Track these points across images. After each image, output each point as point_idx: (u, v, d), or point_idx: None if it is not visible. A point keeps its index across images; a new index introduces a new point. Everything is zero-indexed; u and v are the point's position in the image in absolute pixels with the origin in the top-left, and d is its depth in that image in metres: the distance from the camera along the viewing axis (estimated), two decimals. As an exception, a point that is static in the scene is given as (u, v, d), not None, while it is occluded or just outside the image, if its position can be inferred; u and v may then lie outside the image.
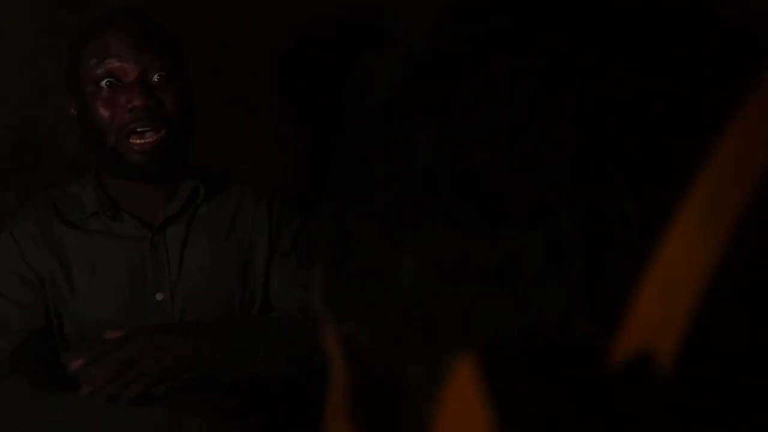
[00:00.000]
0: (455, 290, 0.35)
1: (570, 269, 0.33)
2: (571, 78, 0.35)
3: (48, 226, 1.97)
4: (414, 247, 0.36)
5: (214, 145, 2.38)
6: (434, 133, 0.37)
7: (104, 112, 1.91)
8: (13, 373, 1.90)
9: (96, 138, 1.92)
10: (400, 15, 2.40)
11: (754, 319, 0.32)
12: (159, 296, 1.94)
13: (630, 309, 0.32)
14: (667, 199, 0.33)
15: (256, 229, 1.99)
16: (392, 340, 0.37)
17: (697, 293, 0.31)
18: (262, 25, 2.54)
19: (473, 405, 0.32)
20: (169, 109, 1.91)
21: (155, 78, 1.91)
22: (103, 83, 1.91)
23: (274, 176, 2.34)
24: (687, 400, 0.32)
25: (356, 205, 0.39)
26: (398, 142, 0.38)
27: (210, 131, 2.27)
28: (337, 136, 0.41)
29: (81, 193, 2.01)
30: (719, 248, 0.31)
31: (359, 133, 0.40)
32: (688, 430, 0.32)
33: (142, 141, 1.89)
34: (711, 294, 0.31)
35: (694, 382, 0.32)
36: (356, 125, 0.40)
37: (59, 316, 1.94)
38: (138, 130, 1.88)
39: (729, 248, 0.31)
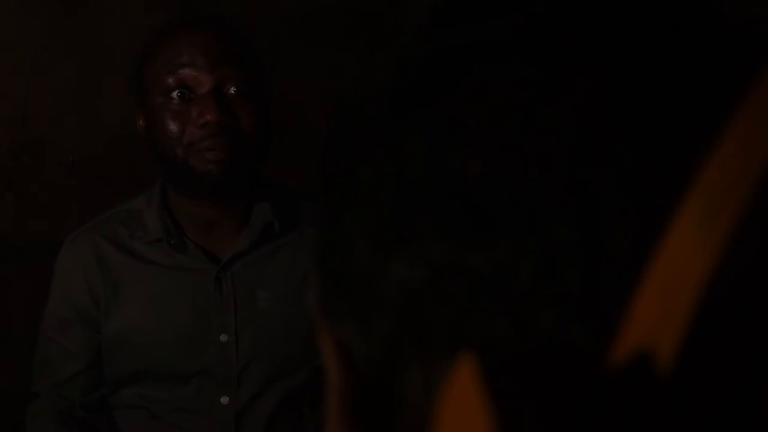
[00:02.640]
0: (447, 299, 0.35)
1: (564, 280, 0.33)
2: (564, 86, 0.35)
3: (104, 255, 1.80)
4: (406, 256, 0.36)
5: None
6: (427, 142, 0.36)
7: (173, 126, 1.72)
8: (37, 422, 1.80)
9: (164, 153, 1.73)
10: (400, 15, 2.40)
11: (754, 319, 0.32)
12: (223, 337, 1.76)
13: (627, 316, 0.32)
14: (661, 209, 0.33)
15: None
16: (386, 347, 0.37)
17: (697, 293, 0.31)
18: (261, 24, 2.54)
19: (472, 409, 0.32)
20: (245, 125, 1.71)
21: (231, 90, 1.72)
22: (174, 94, 1.72)
23: (274, 176, 2.34)
24: (687, 400, 0.32)
25: (349, 213, 0.39)
26: (391, 151, 0.37)
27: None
28: (331, 143, 0.41)
29: (145, 212, 1.82)
30: (719, 248, 0.31)
31: (352, 140, 0.40)
32: (688, 430, 0.32)
33: (214, 156, 1.70)
34: (711, 294, 0.31)
35: (694, 381, 0.32)
36: (349, 133, 0.40)
37: (112, 354, 1.79)
38: (210, 147, 1.70)
39: (729, 248, 0.31)
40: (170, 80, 1.72)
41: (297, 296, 1.79)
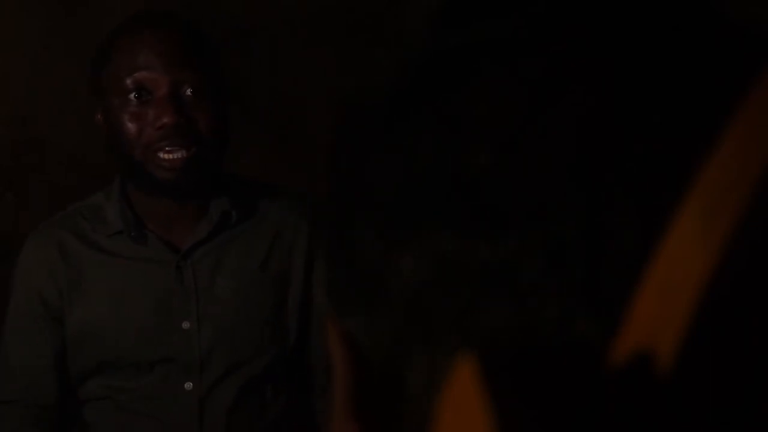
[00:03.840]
0: (454, 292, 0.35)
1: (570, 273, 0.33)
2: (571, 81, 0.35)
3: (67, 247, 1.82)
4: (413, 249, 0.36)
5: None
6: (435, 136, 0.37)
7: (131, 127, 1.73)
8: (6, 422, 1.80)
9: (122, 151, 1.76)
10: (401, 15, 2.40)
11: (754, 319, 0.32)
12: (185, 325, 1.78)
13: (630, 311, 0.32)
14: (666, 203, 0.33)
15: (294, 264, 1.82)
16: (392, 340, 0.37)
17: (697, 293, 0.31)
18: (260, 25, 2.54)
19: (473, 405, 0.32)
20: (202, 126, 1.73)
21: (188, 92, 1.73)
22: (131, 96, 1.73)
23: (275, 177, 2.34)
24: (687, 400, 0.32)
25: (357, 206, 0.39)
26: (399, 144, 0.38)
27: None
28: (338, 137, 0.41)
29: (105, 206, 1.84)
30: (719, 248, 0.31)
31: (360, 134, 0.40)
32: (688, 430, 0.32)
33: (171, 157, 1.72)
34: (711, 294, 0.31)
35: (694, 381, 0.32)
36: (357, 127, 0.40)
37: (76, 346, 1.80)
38: (167, 148, 1.72)
39: (729, 248, 0.31)
40: (127, 82, 1.73)
41: (256, 283, 1.82)
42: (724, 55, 0.37)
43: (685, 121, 0.35)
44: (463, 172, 0.35)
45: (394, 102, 0.38)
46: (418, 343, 0.36)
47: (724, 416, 0.32)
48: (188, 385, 1.78)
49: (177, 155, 1.72)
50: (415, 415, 0.37)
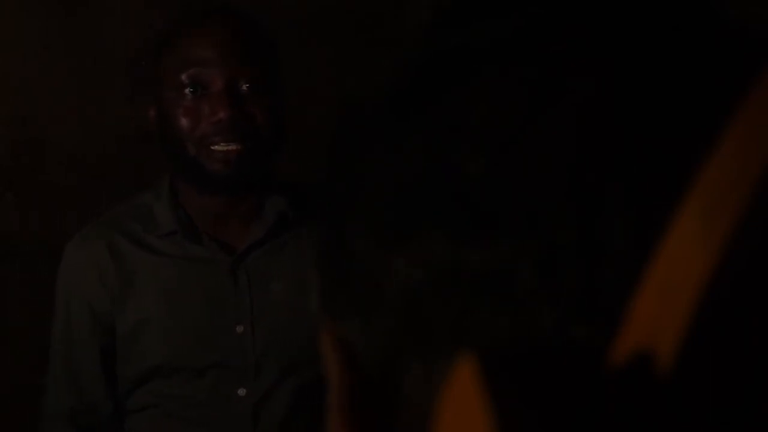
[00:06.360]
0: (448, 298, 0.35)
1: (564, 279, 0.33)
2: (565, 86, 0.35)
3: (119, 248, 1.76)
4: (407, 255, 0.36)
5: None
6: (428, 142, 0.36)
7: (185, 122, 1.70)
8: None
9: (175, 147, 1.72)
10: (400, 15, 2.40)
11: (754, 319, 0.32)
12: (239, 328, 1.74)
13: (627, 315, 0.32)
14: (662, 208, 0.33)
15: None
16: (387, 345, 0.37)
17: (697, 293, 0.31)
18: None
19: (473, 405, 0.32)
20: (258, 120, 1.71)
21: (244, 87, 1.70)
22: (187, 90, 1.70)
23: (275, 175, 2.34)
24: (687, 400, 0.32)
25: (351, 211, 0.39)
26: (392, 149, 0.37)
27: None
28: (334, 139, 0.41)
29: (154, 207, 1.79)
30: (719, 248, 0.31)
31: (354, 140, 0.40)
32: (688, 430, 0.32)
33: (226, 148, 1.69)
34: (711, 294, 0.31)
35: (694, 381, 0.32)
36: (350, 133, 0.40)
37: (127, 351, 1.76)
38: (222, 143, 1.69)
39: (729, 248, 0.31)
40: (183, 77, 1.70)
41: (309, 287, 1.75)
42: (724, 55, 0.37)
43: (685, 121, 0.35)
44: (456, 177, 0.35)
45: (392, 103, 0.38)
46: (413, 349, 0.36)
47: (724, 416, 0.32)
48: (242, 391, 1.73)
49: (231, 147, 1.69)
50: (411, 421, 0.37)
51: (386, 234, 0.37)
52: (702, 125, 0.34)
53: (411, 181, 0.36)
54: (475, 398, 0.32)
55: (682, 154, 0.34)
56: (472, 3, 0.39)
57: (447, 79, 0.37)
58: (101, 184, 2.62)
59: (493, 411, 0.31)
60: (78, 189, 2.64)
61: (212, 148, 1.69)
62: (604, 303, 0.33)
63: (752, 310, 0.32)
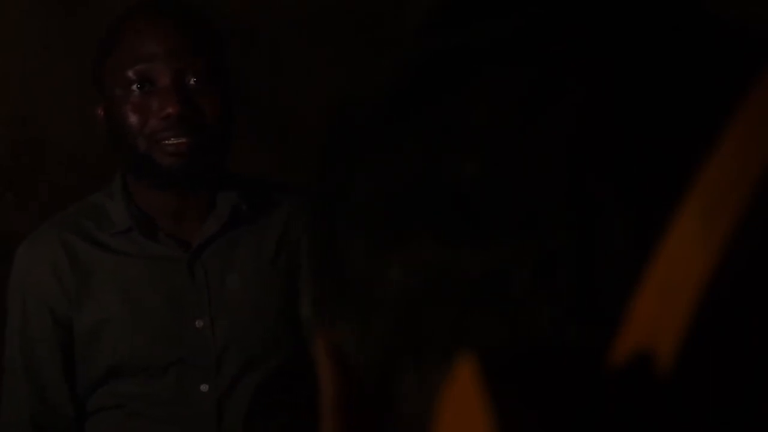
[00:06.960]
0: (443, 302, 0.35)
1: (565, 279, 0.33)
2: (564, 86, 0.35)
3: (74, 248, 1.75)
4: (402, 259, 0.36)
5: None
6: (424, 144, 0.36)
7: (134, 119, 1.70)
8: None
9: (125, 144, 1.72)
10: (401, 15, 2.40)
11: (754, 319, 0.32)
12: (198, 323, 1.73)
13: (627, 315, 0.32)
14: (662, 208, 0.33)
15: (303, 259, 1.72)
16: (381, 350, 0.37)
17: (697, 293, 0.31)
18: (261, 25, 2.54)
19: (472, 409, 0.32)
20: (207, 114, 1.70)
21: (192, 81, 1.70)
22: (134, 86, 1.70)
23: (275, 175, 2.34)
24: (687, 400, 0.32)
25: (344, 215, 0.38)
26: (387, 152, 0.37)
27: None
28: (328, 144, 0.41)
29: (107, 205, 1.79)
30: (719, 248, 0.31)
31: (349, 142, 0.40)
32: (688, 430, 0.32)
33: (177, 142, 1.68)
34: (711, 294, 0.31)
35: (694, 382, 0.32)
36: (346, 134, 0.40)
37: (87, 351, 1.74)
38: (172, 138, 1.69)
39: (729, 248, 0.31)
40: (130, 73, 1.70)
41: (267, 279, 1.78)
42: (724, 55, 0.37)
43: (685, 121, 0.35)
44: (451, 180, 0.35)
45: (390, 103, 0.38)
46: (407, 353, 0.36)
47: (724, 416, 0.32)
48: (204, 387, 1.73)
49: (182, 147, 1.68)
50: (409, 423, 0.37)
51: (381, 238, 0.37)
52: (702, 125, 0.34)
53: (406, 184, 0.36)
54: (475, 399, 0.32)
55: (681, 154, 0.34)
56: (471, 3, 0.39)
57: (445, 80, 0.37)
58: (101, 184, 2.62)
59: (493, 411, 0.31)
60: (78, 189, 2.64)
61: (163, 143, 1.69)
62: (604, 303, 0.33)
63: (752, 310, 0.32)
